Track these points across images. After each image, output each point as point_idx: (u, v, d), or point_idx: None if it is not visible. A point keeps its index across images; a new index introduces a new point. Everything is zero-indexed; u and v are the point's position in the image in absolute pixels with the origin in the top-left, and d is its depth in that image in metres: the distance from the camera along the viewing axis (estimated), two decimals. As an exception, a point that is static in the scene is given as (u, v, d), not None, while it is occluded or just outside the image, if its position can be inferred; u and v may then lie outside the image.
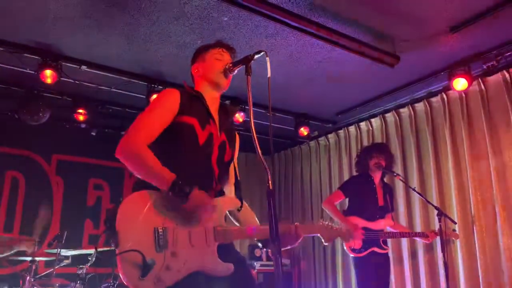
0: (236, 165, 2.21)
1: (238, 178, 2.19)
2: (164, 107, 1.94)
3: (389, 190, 4.32)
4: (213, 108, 2.10)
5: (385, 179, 4.39)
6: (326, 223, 2.20)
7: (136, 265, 1.66)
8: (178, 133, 1.93)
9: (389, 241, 4.54)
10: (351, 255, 3.99)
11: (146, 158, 1.79)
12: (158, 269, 1.69)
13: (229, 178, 2.16)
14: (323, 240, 2.20)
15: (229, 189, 2.16)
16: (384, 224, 4.09)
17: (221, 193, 2.06)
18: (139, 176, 1.82)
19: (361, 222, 3.98)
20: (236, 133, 2.27)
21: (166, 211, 1.79)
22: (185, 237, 1.80)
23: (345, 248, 4.03)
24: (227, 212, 2.09)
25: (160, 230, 1.74)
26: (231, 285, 1.89)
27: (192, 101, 2.02)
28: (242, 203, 2.07)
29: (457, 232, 4.29)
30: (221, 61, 2.10)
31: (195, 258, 1.79)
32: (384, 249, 4.00)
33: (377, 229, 4.01)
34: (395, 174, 4.22)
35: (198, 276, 1.79)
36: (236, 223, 2.14)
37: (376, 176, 4.20)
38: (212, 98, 2.11)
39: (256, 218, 2.17)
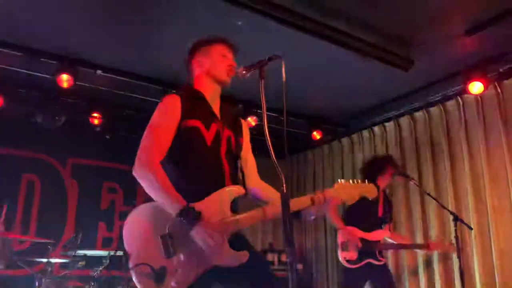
0: (247, 155, 2.18)
1: (242, 168, 2.12)
2: (167, 118, 1.96)
3: (388, 201, 4.27)
4: (215, 105, 2.12)
5: (386, 191, 4.32)
6: (343, 181, 2.04)
7: (149, 276, 1.72)
8: (186, 139, 1.96)
9: (401, 251, 4.44)
10: (347, 266, 3.85)
11: (158, 180, 1.82)
12: (171, 275, 1.73)
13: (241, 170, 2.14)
14: (347, 202, 2.06)
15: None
16: (381, 235, 4.01)
17: None
18: (151, 195, 1.85)
19: (358, 233, 3.91)
20: (242, 120, 2.27)
21: (169, 217, 1.78)
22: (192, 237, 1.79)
23: (340, 259, 3.91)
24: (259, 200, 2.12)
25: (165, 237, 1.77)
26: (250, 271, 1.88)
27: (194, 102, 2.04)
28: (245, 189, 2.02)
29: (454, 244, 3.88)
30: (227, 58, 2.12)
31: (207, 255, 1.78)
32: (380, 260, 3.90)
33: (374, 240, 3.94)
34: (410, 178, 4.17)
35: (214, 272, 1.80)
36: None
37: (381, 186, 4.11)
38: (213, 94, 2.13)
39: (274, 195, 2.02)
